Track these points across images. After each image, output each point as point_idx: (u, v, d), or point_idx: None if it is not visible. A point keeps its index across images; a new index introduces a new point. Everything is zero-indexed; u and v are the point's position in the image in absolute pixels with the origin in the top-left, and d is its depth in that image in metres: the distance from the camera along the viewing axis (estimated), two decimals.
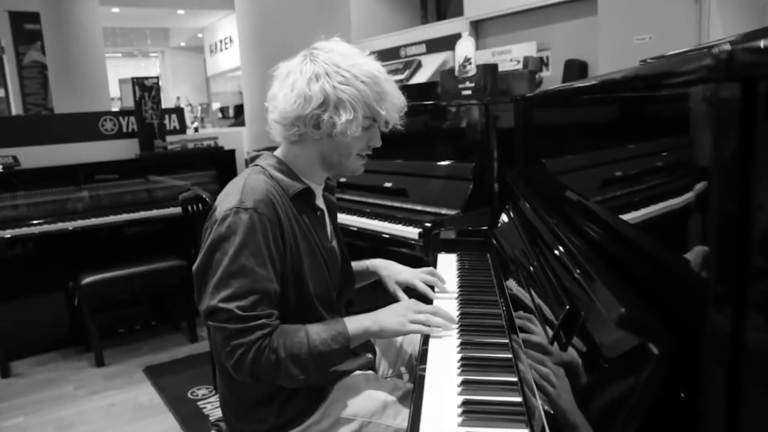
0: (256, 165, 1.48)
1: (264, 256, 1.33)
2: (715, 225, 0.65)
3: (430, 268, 1.79)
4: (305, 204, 1.49)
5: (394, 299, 1.63)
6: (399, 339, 1.75)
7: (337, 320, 1.41)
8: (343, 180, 1.62)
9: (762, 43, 0.50)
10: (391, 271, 1.74)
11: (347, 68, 1.38)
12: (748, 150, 0.58)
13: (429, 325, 1.39)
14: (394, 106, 1.44)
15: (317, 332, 1.35)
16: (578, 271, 1.17)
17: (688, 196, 0.74)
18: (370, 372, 1.59)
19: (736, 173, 0.60)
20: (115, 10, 11.46)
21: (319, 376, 1.39)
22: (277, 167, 1.47)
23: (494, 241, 2.03)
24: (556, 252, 1.35)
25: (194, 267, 1.38)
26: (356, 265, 1.78)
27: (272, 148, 1.55)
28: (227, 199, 1.37)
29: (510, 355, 1.28)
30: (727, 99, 0.56)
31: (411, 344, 1.73)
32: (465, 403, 1.11)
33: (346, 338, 1.36)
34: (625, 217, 1.10)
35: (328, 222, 1.61)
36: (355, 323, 1.39)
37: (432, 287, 1.69)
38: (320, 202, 1.56)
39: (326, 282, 1.51)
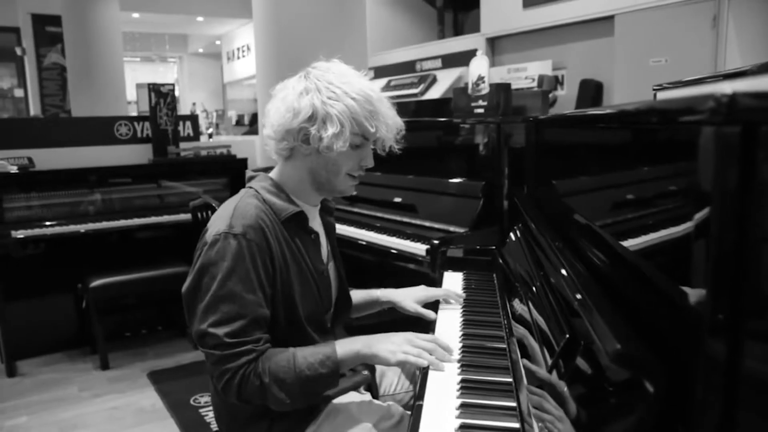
0: (250, 187, 1.48)
1: (252, 281, 1.33)
2: (713, 256, 0.66)
3: (447, 289, 1.82)
4: (298, 227, 1.48)
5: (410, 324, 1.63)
6: None
7: (327, 343, 1.40)
8: (354, 193, 1.62)
9: (763, 88, 0.50)
10: (405, 294, 1.74)
11: (339, 85, 1.39)
12: (747, 187, 0.59)
13: (419, 358, 1.35)
14: (388, 127, 1.43)
15: (304, 356, 1.34)
16: (581, 298, 1.16)
17: (689, 227, 0.74)
18: (366, 394, 1.58)
19: (735, 209, 0.61)
20: (136, 15, 11.60)
21: (308, 400, 1.38)
22: (271, 190, 1.46)
23: (501, 262, 2.03)
24: (561, 278, 1.35)
25: (184, 288, 1.39)
26: (366, 294, 1.78)
27: (272, 168, 1.55)
28: (217, 222, 1.38)
29: (510, 380, 1.27)
30: (727, 141, 0.56)
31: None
32: (462, 427, 1.11)
33: (335, 362, 1.34)
34: (631, 243, 1.10)
35: (325, 244, 1.60)
36: (346, 347, 1.37)
37: (435, 308, 1.70)
38: (315, 224, 1.56)
39: (317, 304, 1.51)
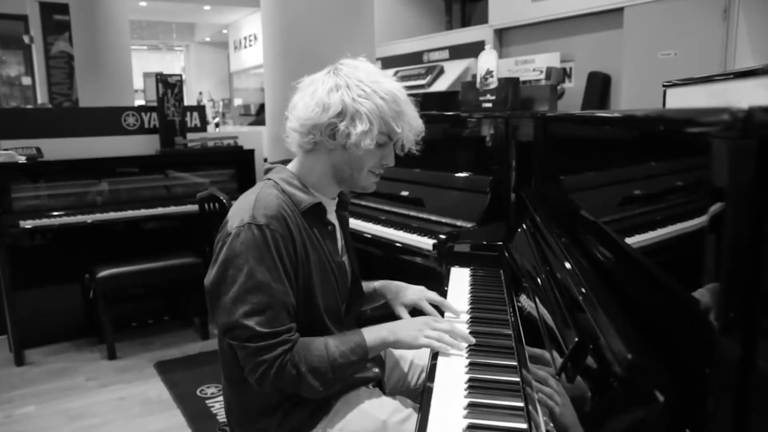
0: (269, 179, 1.49)
1: (279, 270, 1.35)
2: (726, 268, 0.66)
3: (440, 297, 1.73)
4: (316, 219, 1.49)
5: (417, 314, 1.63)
6: (410, 355, 1.75)
7: (354, 331, 1.44)
8: (374, 189, 1.61)
9: None
10: (396, 293, 1.72)
11: (369, 83, 1.40)
12: (761, 197, 0.59)
13: (441, 342, 1.41)
14: (411, 128, 1.45)
15: (336, 345, 1.38)
16: (589, 297, 1.16)
17: (700, 229, 0.74)
18: (376, 389, 1.59)
19: (748, 219, 0.61)
20: (143, 3, 11.57)
21: (336, 387, 1.43)
22: (290, 182, 1.47)
23: (508, 257, 2.03)
24: (568, 275, 1.35)
25: (207, 281, 1.39)
26: (365, 286, 1.77)
27: (289, 161, 1.56)
28: (239, 213, 1.38)
29: (518, 379, 1.27)
30: (743, 155, 0.56)
31: (421, 361, 1.73)
32: (470, 427, 1.11)
33: (365, 349, 1.40)
34: (640, 242, 1.10)
35: (340, 237, 1.61)
36: (373, 334, 1.43)
37: (442, 312, 1.68)
38: (332, 217, 1.57)
39: (335, 296, 1.52)
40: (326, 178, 1.50)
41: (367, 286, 1.77)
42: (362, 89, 1.39)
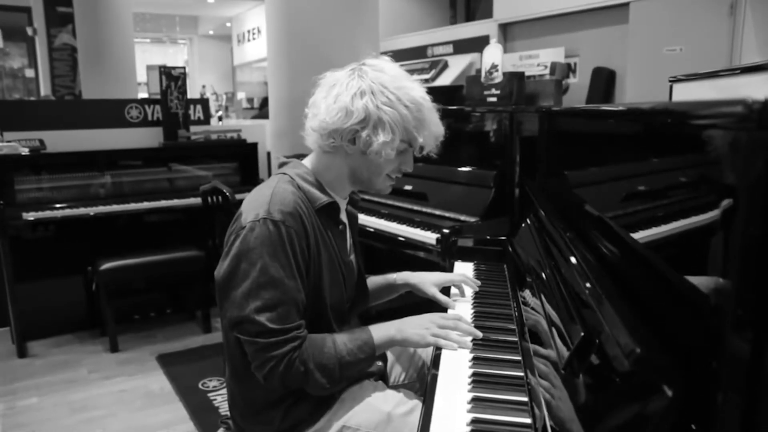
0: (284, 174, 1.48)
1: (292, 267, 1.34)
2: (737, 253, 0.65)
3: (464, 273, 1.82)
4: (329, 217, 1.49)
5: (424, 309, 1.63)
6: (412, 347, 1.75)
7: (362, 329, 1.44)
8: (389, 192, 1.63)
9: None
10: (422, 277, 1.76)
11: (393, 90, 1.38)
12: None
13: (448, 340, 1.41)
14: (432, 134, 1.45)
15: (344, 342, 1.38)
16: (594, 292, 1.16)
17: (712, 222, 0.73)
18: (379, 382, 1.59)
19: (763, 212, 0.60)
20: None
21: (342, 384, 1.43)
22: (305, 178, 1.47)
23: (512, 252, 2.02)
24: (573, 270, 1.34)
25: (218, 274, 1.38)
26: (383, 279, 1.79)
27: (302, 155, 1.55)
28: (254, 207, 1.37)
29: (521, 373, 1.27)
30: (758, 147, 0.55)
31: (424, 351, 1.73)
32: (474, 421, 1.11)
33: (372, 348, 1.40)
34: (647, 236, 1.09)
35: (349, 236, 1.61)
36: (381, 332, 1.42)
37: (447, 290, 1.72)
38: (343, 216, 1.57)
39: (342, 294, 1.52)
40: (342, 178, 1.50)
41: (385, 279, 1.79)
42: (387, 96, 1.37)
